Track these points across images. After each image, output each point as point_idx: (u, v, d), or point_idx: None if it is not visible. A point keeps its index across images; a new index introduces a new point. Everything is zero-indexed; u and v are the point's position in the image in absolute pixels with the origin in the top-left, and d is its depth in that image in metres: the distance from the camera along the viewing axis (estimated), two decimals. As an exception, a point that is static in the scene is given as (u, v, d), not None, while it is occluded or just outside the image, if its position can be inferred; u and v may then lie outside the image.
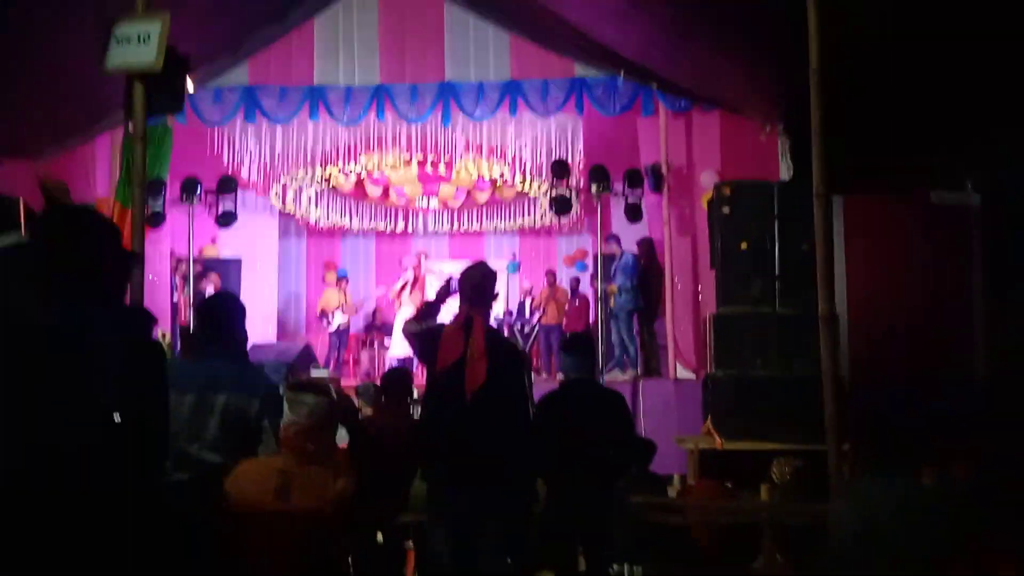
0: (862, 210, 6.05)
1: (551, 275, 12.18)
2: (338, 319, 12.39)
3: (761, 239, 5.92)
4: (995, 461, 3.09)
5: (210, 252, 12.01)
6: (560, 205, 10.02)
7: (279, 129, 9.93)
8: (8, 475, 1.90)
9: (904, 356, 5.69)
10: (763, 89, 6.33)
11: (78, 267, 2.09)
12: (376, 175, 11.89)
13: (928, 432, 2.98)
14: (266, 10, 8.02)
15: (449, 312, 3.78)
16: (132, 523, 2.00)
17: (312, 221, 13.41)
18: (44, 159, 7.56)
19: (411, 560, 4.68)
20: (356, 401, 5.84)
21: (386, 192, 12.86)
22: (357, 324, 13.09)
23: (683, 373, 8.78)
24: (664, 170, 9.35)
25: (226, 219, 10.17)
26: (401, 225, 14.03)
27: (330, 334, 12.48)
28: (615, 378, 8.86)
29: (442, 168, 10.92)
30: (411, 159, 10.83)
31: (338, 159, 10.80)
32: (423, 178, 11.86)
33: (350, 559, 3.91)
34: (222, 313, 3.35)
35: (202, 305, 4.29)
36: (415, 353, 3.97)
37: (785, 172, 6.55)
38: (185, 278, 10.24)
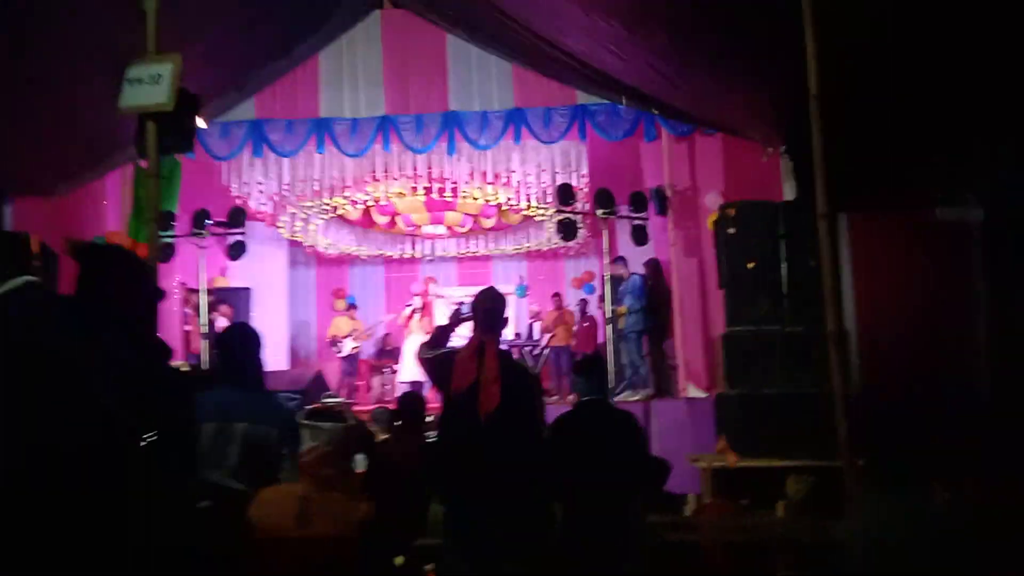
0: (867, 227, 6.09)
1: (558, 297, 12.24)
2: (348, 345, 12.45)
3: (767, 258, 5.98)
4: (1003, 475, 3.11)
5: (220, 283, 12.10)
6: (566, 231, 10.09)
7: (286, 161, 10.01)
8: (28, 499, 1.97)
9: (912, 371, 5.70)
10: (763, 112, 6.38)
11: (115, 301, 2.17)
12: (383, 203, 11.99)
13: (938, 447, 3.01)
14: (271, 46, 8.13)
15: (460, 337, 3.86)
16: (154, 540, 2.07)
17: (321, 250, 13.52)
18: (56, 196, 7.66)
19: (430, 583, 4.69)
20: (371, 426, 5.89)
21: (393, 220, 12.96)
22: (368, 350, 13.15)
23: (694, 392, 8.79)
24: (668, 193, 9.42)
25: (236, 251, 10.29)
26: (409, 251, 14.14)
27: (341, 360, 12.54)
28: (627, 399, 8.86)
29: (448, 195, 11.00)
30: (417, 187, 10.93)
31: (345, 189, 10.89)
32: (430, 205, 11.94)
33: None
34: (239, 343, 3.42)
35: (220, 336, 4.36)
36: (430, 378, 4.03)
37: (789, 192, 6.60)
38: (196, 309, 10.33)
